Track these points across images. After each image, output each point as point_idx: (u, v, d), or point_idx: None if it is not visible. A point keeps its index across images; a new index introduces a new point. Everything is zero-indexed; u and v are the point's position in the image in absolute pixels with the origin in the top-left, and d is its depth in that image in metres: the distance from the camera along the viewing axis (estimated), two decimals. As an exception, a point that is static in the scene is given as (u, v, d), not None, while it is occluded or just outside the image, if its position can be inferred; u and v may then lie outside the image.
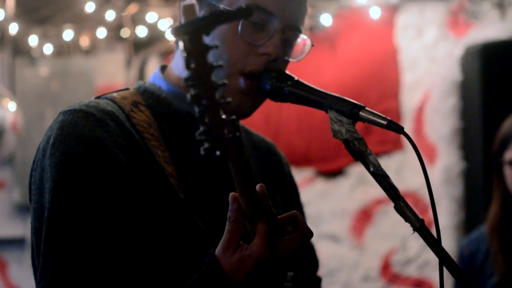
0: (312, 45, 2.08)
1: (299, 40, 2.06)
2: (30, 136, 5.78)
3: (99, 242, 1.74)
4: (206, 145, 1.43)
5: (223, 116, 1.43)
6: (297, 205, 2.38)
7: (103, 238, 1.74)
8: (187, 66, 1.41)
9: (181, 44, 1.42)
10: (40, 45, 6.21)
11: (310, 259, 2.39)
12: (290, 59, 2.05)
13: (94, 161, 1.80)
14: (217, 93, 1.42)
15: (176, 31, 1.41)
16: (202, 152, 1.43)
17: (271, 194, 2.22)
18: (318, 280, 2.40)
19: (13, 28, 5.88)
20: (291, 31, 2.02)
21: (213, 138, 1.42)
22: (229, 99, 1.44)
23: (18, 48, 6.41)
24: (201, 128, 1.42)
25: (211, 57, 1.42)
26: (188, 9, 1.45)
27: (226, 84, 1.43)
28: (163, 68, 2.14)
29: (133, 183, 1.78)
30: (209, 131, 1.42)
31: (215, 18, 1.41)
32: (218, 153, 1.45)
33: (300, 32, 2.05)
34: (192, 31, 1.40)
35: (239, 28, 1.95)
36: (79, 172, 1.79)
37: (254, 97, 2.01)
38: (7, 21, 5.80)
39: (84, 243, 1.73)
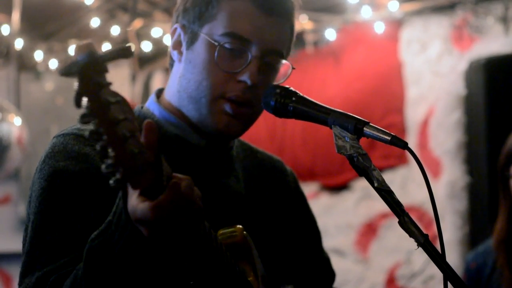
0: (293, 68, 2.09)
1: (283, 62, 2.09)
2: (35, 150, 5.79)
3: (73, 246, 1.78)
4: (117, 176, 1.40)
5: (132, 149, 1.40)
6: (307, 218, 2.40)
7: (78, 243, 1.76)
8: (77, 105, 1.39)
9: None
10: (46, 60, 6.25)
11: (326, 271, 2.40)
12: (274, 83, 2.07)
13: (79, 172, 1.86)
14: (119, 127, 1.39)
15: (65, 72, 1.40)
16: (112, 184, 1.41)
17: (274, 211, 2.24)
18: None
19: (19, 43, 5.91)
20: (271, 55, 2.05)
21: (123, 170, 1.40)
22: (137, 133, 1.42)
23: (24, 63, 6.45)
24: (108, 161, 1.39)
25: (106, 95, 1.39)
26: (83, 47, 1.40)
27: (127, 119, 1.40)
28: (160, 92, 2.19)
29: (116, 194, 1.75)
30: (116, 163, 1.39)
31: (95, 59, 1.39)
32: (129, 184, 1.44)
33: (281, 56, 2.08)
34: (78, 71, 1.39)
35: (215, 56, 1.99)
36: (65, 182, 1.85)
37: (243, 119, 2.05)
38: (12, 36, 5.82)
39: (61, 246, 1.80)
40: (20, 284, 1.85)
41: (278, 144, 5.91)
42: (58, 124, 6.14)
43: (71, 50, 6.06)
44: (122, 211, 1.57)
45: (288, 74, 2.09)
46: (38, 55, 6.19)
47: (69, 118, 6.04)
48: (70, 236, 1.80)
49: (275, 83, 2.07)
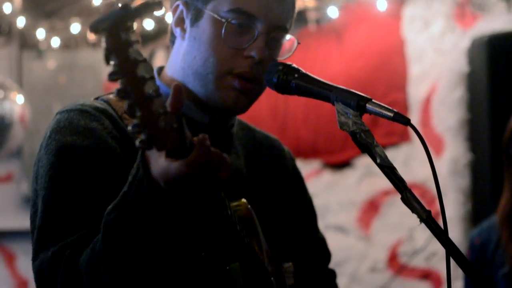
0: (299, 43, 2.10)
1: (287, 37, 2.09)
2: (38, 129, 5.79)
3: (87, 220, 1.79)
4: (143, 136, 1.42)
5: (157, 109, 1.42)
6: (303, 198, 2.40)
7: (91, 216, 1.78)
8: (108, 62, 1.40)
9: (103, 40, 1.40)
10: (48, 38, 6.22)
11: (321, 252, 2.40)
12: (278, 58, 2.07)
13: (88, 146, 1.86)
14: (146, 86, 1.41)
15: (94, 28, 1.39)
16: (137, 144, 1.43)
17: (273, 189, 2.25)
18: (331, 272, 2.41)
19: (21, 22, 5.89)
20: (276, 31, 2.05)
21: (149, 130, 1.41)
22: (160, 92, 1.43)
23: (26, 42, 6.43)
24: (134, 121, 1.41)
25: (134, 53, 1.41)
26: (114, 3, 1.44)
27: (153, 78, 1.42)
28: (160, 70, 2.19)
29: (125, 169, 1.78)
30: (142, 124, 1.41)
31: (128, 13, 1.40)
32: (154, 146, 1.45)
33: (286, 32, 2.08)
34: (109, 27, 1.39)
35: (223, 32, 1.99)
36: (75, 156, 1.86)
37: (250, 95, 2.06)
38: (14, 14, 5.81)
39: (75, 220, 1.80)
40: (34, 259, 1.84)
41: (280, 121, 5.91)
42: (61, 102, 6.13)
43: (73, 28, 6.04)
44: (144, 178, 1.57)
45: (294, 49, 2.09)
46: (40, 34, 6.17)
47: (72, 96, 6.04)
48: (84, 209, 1.81)
49: (280, 58, 2.07)
